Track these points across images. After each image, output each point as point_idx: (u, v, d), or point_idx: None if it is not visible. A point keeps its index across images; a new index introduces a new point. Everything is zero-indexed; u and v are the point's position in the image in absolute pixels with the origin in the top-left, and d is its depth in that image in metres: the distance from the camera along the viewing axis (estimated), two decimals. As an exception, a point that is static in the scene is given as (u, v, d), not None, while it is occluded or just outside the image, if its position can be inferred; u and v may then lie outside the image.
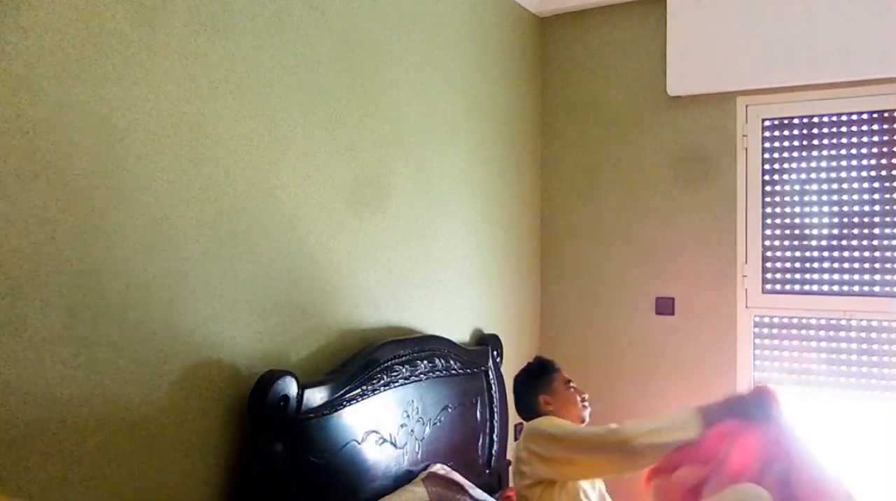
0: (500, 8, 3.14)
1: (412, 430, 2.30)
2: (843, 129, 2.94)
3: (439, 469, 2.32)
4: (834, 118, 2.95)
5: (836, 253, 2.94)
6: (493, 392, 2.76)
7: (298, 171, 2.04)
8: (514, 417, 3.16)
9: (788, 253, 3.02)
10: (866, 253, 2.89)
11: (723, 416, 1.81)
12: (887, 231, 2.85)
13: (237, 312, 1.83)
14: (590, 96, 3.39)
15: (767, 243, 3.06)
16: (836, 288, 2.94)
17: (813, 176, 2.99)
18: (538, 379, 2.25)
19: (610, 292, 3.34)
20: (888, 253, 2.85)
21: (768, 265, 3.06)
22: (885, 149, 2.86)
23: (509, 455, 2.93)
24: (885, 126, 2.86)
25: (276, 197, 1.96)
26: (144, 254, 1.61)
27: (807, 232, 2.99)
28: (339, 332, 2.18)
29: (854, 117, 2.91)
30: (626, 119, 3.31)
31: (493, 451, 2.75)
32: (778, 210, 3.05)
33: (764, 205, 3.06)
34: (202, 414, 1.73)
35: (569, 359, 3.42)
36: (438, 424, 2.44)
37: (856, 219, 2.91)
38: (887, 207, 2.85)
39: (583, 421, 2.19)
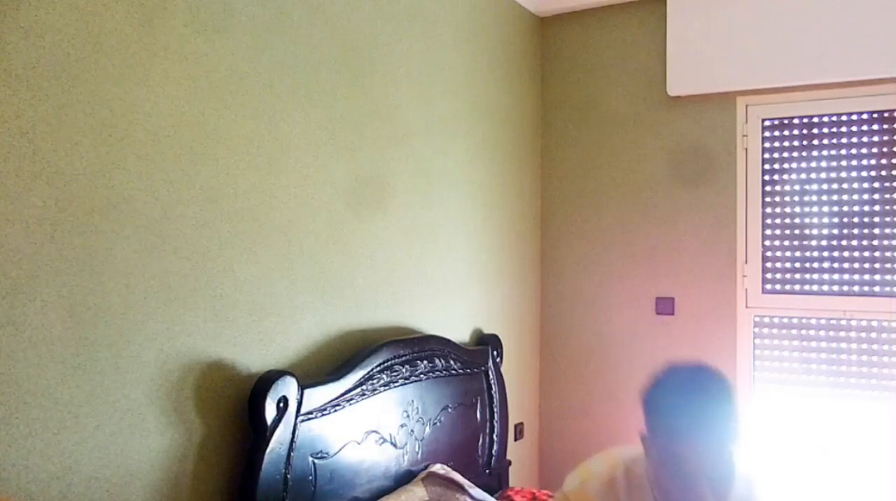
0: (500, 8, 3.14)
1: (412, 430, 2.30)
2: (843, 129, 2.94)
3: (439, 468, 2.32)
4: (834, 118, 2.95)
5: (836, 253, 2.94)
6: (493, 392, 2.76)
7: (298, 171, 2.04)
8: (514, 417, 3.17)
9: (788, 253, 3.02)
10: (866, 253, 2.89)
11: None
12: (887, 231, 2.85)
13: (237, 312, 1.83)
14: (590, 96, 3.39)
15: (767, 243, 3.06)
16: (836, 288, 2.94)
17: (813, 176, 2.99)
18: None
19: (610, 292, 3.34)
20: (888, 253, 2.85)
21: (768, 265, 3.06)
22: (885, 149, 2.86)
23: (509, 455, 2.94)
24: (885, 126, 2.86)
25: (276, 197, 1.96)
26: (144, 254, 1.61)
27: (807, 232, 2.99)
28: (339, 332, 2.18)
29: (854, 117, 2.91)
30: (626, 119, 3.31)
31: (494, 451, 2.75)
32: (778, 210, 3.05)
33: (764, 205, 3.06)
34: (202, 414, 1.74)
35: (569, 359, 3.43)
36: (438, 424, 2.44)
37: (856, 219, 2.91)
38: (887, 207, 2.85)
39: None
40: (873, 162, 2.88)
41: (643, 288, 3.27)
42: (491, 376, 2.76)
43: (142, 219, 1.60)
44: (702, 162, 3.15)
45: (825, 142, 2.97)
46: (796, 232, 3.01)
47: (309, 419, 1.88)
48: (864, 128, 2.90)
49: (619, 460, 1.52)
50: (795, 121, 3.01)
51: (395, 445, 2.21)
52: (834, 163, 2.95)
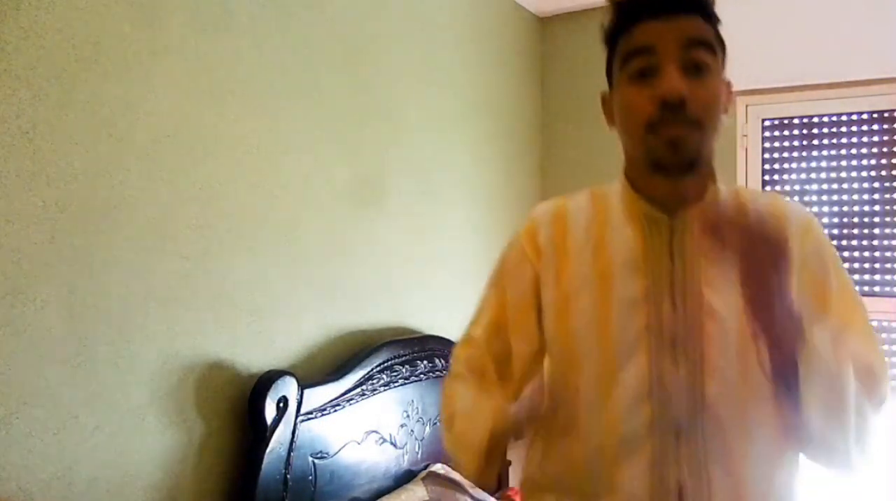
0: (500, 8, 3.14)
1: (412, 430, 2.30)
2: (843, 129, 2.94)
3: (439, 468, 2.32)
4: (834, 118, 2.95)
5: (836, 253, 2.93)
6: (493, 392, 2.76)
7: (298, 171, 2.04)
8: (514, 417, 3.16)
9: (788, 253, 3.02)
10: (866, 254, 2.89)
11: None
12: (887, 231, 2.85)
13: (237, 312, 1.83)
14: (590, 96, 3.38)
15: (767, 243, 3.06)
16: (836, 288, 2.93)
17: (813, 176, 2.99)
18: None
19: (610, 292, 3.33)
20: (888, 253, 2.85)
21: (768, 265, 3.06)
22: (885, 149, 2.86)
23: (509, 455, 2.93)
24: (885, 126, 2.86)
25: (276, 197, 1.96)
26: (144, 254, 1.60)
27: (807, 232, 2.99)
28: (339, 332, 2.18)
29: (854, 117, 2.91)
30: (626, 119, 3.31)
31: (493, 451, 2.75)
32: (778, 210, 3.04)
33: (764, 205, 3.06)
34: (202, 414, 1.73)
35: (569, 359, 3.43)
36: (438, 424, 2.44)
37: (856, 219, 2.90)
38: (887, 207, 2.85)
39: None
40: (873, 162, 2.88)
41: (643, 288, 3.26)
42: (491, 376, 2.76)
43: (142, 219, 1.60)
44: (702, 162, 3.15)
45: (825, 142, 2.97)
46: (796, 232, 3.00)
47: (309, 419, 1.88)
48: (864, 128, 2.90)
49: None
50: (795, 121, 3.01)
51: (395, 445, 2.21)
52: (834, 163, 2.95)
